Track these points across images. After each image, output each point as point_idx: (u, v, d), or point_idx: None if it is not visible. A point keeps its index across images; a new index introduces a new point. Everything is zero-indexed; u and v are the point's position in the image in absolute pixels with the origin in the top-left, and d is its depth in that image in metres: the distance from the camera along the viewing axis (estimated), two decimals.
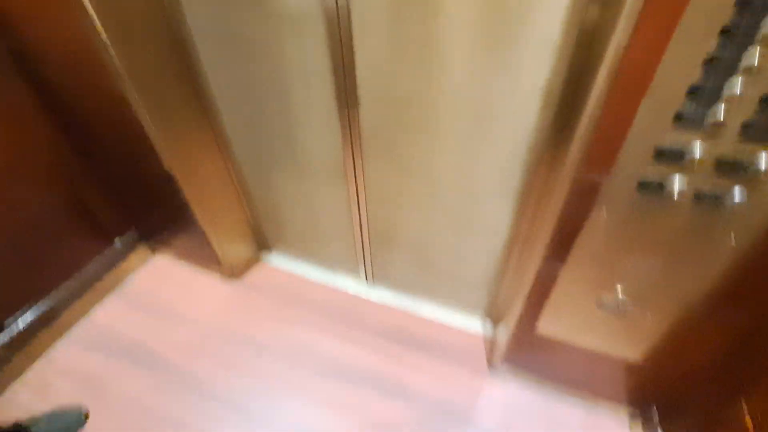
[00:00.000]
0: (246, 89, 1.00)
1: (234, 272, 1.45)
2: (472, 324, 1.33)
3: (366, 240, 1.26)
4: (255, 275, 1.49)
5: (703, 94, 0.49)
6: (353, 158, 1.01)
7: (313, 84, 0.91)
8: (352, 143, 0.98)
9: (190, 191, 1.14)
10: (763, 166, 0.51)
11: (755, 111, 0.48)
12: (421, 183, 1.00)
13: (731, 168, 0.54)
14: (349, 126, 0.94)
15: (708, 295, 0.70)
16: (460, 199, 0.99)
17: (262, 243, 1.53)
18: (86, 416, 1.08)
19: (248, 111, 1.05)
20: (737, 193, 0.55)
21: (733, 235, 0.60)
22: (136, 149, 1.09)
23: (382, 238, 1.23)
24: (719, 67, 0.46)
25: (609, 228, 0.67)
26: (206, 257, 1.39)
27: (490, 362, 1.20)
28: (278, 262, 1.54)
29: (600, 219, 0.67)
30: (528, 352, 1.05)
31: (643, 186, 0.60)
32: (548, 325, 0.92)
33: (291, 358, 1.23)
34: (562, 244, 0.74)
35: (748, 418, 0.68)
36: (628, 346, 0.88)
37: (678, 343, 0.81)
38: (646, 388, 0.97)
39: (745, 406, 0.70)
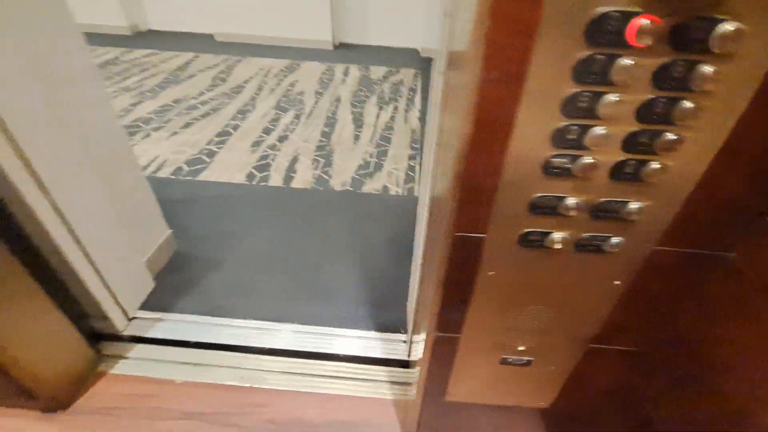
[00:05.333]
0: None
1: (58, 402, 1.06)
2: (385, 391, 1.17)
3: None
4: (93, 397, 1.12)
5: (566, 139, 0.43)
6: None
7: None
8: None
9: None
10: (633, 206, 0.47)
11: (619, 156, 0.44)
12: None
13: (605, 213, 0.49)
14: None
15: (599, 332, 0.67)
16: None
17: (100, 336, 1.16)
18: None
19: None
20: (614, 239, 0.51)
21: (615, 275, 0.57)
22: None
23: None
24: (578, 109, 0.41)
25: (497, 286, 0.59)
26: (10, 393, 0.99)
27: None
28: (131, 365, 1.19)
29: (487, 278, 0.58)
30: (441, 420, 0.93)
31: (524, 240, 0.53)
32: (457, 391, 0.82)
33: None
34: (457, 310, 0.64)
35: None
36: (537, 394, 0.82)
37: (580, 384, 0.77)
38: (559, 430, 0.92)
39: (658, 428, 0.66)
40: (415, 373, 1.12)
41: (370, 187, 2.09)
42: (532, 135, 0.43)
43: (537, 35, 0.36)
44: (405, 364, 1.27)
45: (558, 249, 0.52)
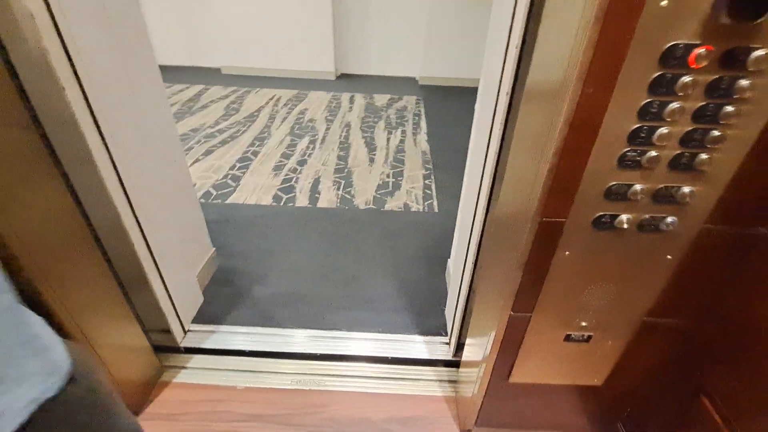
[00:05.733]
0: None
1: (132, 409, 1.11)
2: (435, 389, 1.25)
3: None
4: (160, 404, 1.17)
5: (639, 138, 0.56)
6: None
7: None
8: None
9: None
10: (686, 190, 0.60)
11: (677, 149, 0.57)
12: None
13: (664, 197, 0.62)
14: None
15: (653, 308, 0.78)
16: None
17: (159, 348, 1.22)
18: None
19: None
20: (669, 218, 0.63)
21: (669, 251, 0.69)
22: None
23: None
24: (650, 114, 0.54)
25: (571, 265, 0.71)
26: None
27: (462, 428, 1.13)
28: (191, 374, 1.25)
29: (562, 258, 0.70)
30: (501, 405, 1.02)
31: (598, 222, 0.65)
32: (521, 372, 0.91)
33: None
34: (531, 290, 0.75)
35: (716, 416, 0.74)
36: (592, 372, 0.91)
37: (633, 358, 0.87)
38: (610, 409, 1.01)
39: (708, 403, 0.77)
40: (461, 371, 1.20)
41: (392, 204, 2.21)
42: (613, 135, 0.56)
43: (625, 59, 0.49)
44: (449, 364, 1.35)
45: (625, 229, 0.64)
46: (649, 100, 0.53)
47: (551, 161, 0.59)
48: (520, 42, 0.73)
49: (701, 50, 0.48)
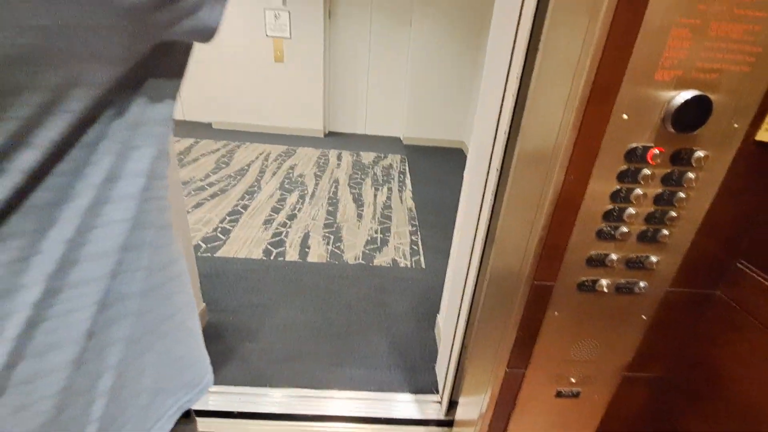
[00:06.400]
0: None
1: None
2: None
3: None
4: None
5: (612, 216, 0.67)
6: None
7: None
8: None
9: None
10: (653, 259, 0.71)
11: (643, 226, 0.69)
12: None
13: (635, 264, 0.72)
14: None
15: (632, 363, 0.86)
16: None
17: None
18: None
19: None
20: (642, 283, 0.74)
21: (643, 311, 0.78)
22: None
23: None
24: (619, 198, 0.66)
25: (560, 323, 0.79)
26: None
27: None
28: None
29: (552, 318, 0.78)
30: None
31: (581, 286, 0.74)
32: (516, 429, 0.95)
33: None
34: (525, 347, 0.82)
35: None
36: (581, 428, 0.96)
37: (617, 410, 0.93)
38: None
39: None
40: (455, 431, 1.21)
41: (381, 260, 2.28)
42: (591, 213, 0.67)
43: (598, 155, 0.62)
44: (441, 423, 1.36)
45: (605, 292, 0.74)
46: (618, 187, 0.65)
47: (540, 234, 0.69)
48: (507, 131, 0.87)
49: (655, 150, 0.61)
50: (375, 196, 3.16)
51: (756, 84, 0.58)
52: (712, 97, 0.58)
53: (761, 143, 0.62)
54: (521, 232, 0.77)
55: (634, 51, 0.56)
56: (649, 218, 0.68)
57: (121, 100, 0.29)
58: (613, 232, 0.69)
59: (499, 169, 0.93)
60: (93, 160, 0.28)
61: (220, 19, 0.30)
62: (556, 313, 0.78)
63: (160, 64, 0.30)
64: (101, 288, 0.31)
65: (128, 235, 0.32)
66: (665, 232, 0.69)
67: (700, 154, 0.62)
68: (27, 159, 0.25)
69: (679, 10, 0.54)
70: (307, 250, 2.31)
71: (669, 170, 0.64)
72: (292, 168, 3.61)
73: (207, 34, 0.30)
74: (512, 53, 0.86)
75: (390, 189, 3.33)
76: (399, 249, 2.41)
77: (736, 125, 0.61)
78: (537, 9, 0.77)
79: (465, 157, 4.43)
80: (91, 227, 0.29)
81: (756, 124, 0.61)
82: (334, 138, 4.68)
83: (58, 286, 0.28)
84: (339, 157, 4.02)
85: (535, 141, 0.73)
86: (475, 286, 1.10)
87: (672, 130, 0.60)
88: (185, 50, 0.32)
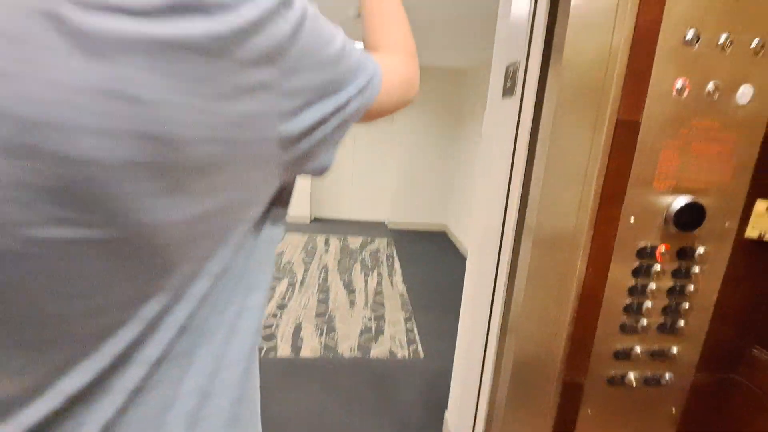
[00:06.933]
0: None
1: None
2: None
3: None
4: None
5: (632, 309, 0.71)
6: None
7: None
8: None
9: None
10: (675, 351, 0.73)
11: (660, 318, 0.72)
12: None
13: (659, 355, 0.74)
14: None
15: None
16: None
17: None
18: None
19: None
20: (667, 374, 0.75)
21: (672, 402, 0.78)
22: None
23: None
24: (637, 292, 0.70)
25: (594, 423, 0.77)
26: None
27: None
28: None
29: (586, 417, 0.76)
30: None
31: (611, 381, 0.74)
32: None
33: None
34: None
35: None
36: None
37: None
38: None
39: None
40: None
41: (377, 351, 2.19)
42: (613, 307, 0.70)
43: (612, 253, 0.67)
44: None
45: (633, 386, 0.74)
46: (633, 283, 0.69)
47: (567, 329, 0.71)
48: (514, 227, 0.93)
49: (662, 248, 0.67)
50: (366, 282, 3.14)
51: (738, 190, 0.67)
52: (703, 201, 0.66)
53: (751, 239, 0.70)
54: (546, 330, 0.78)
55: (633, 164, 0.65)
56: (665, 310, 0.72)
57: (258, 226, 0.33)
58: (635, 325, 0.72)
59: (509, 261, 0.97)
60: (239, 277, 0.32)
61: (334, 159, 0.35)
62: (589, 411, 0.76)
63: (282, 195, 0.34)
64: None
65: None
66: (681, 323, 0.72)
67: (701, 250, 0.68)
68: (200, 287, 0.28)
69: (665, 133, 0.64)
70: (299, 344, 2.21)
71: (677, 266, 0.69)
72: (280, 254, 3.59)
73: (323, 172, 0.35)
74: (512, 159, 0.97)
75: (380, 274, 3.33)
76: (395, 338, 2.34)
77: (727, 224, 0.69)
78: (534, 118, 0.88)
79: (449, 239, 4.56)
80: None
81: (744, 223, 0.69)
82: (320, 224, 4.76)
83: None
84: (326, 242, 4.05)
85: (552, 238, 0.79)
86: (492, 380, 1.07)
87: (674, 229, 0.66)
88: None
